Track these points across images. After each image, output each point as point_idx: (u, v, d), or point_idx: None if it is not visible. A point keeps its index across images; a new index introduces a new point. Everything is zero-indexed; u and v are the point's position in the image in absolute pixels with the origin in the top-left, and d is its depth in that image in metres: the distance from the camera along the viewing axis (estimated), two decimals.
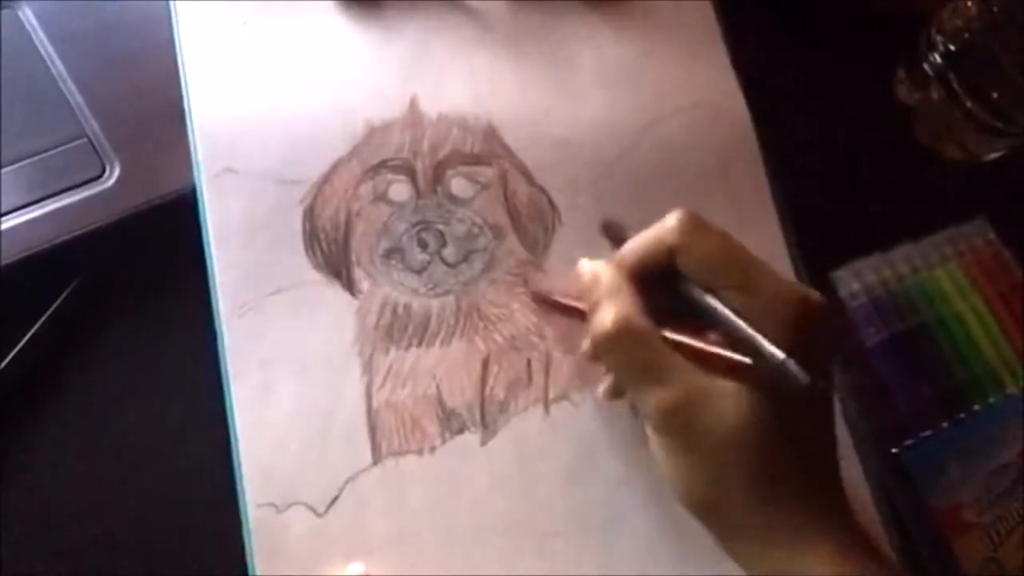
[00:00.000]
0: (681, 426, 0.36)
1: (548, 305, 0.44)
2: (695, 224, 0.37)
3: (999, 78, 0.51)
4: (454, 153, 0.46)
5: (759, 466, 0.35)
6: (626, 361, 0.38)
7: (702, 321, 0.37)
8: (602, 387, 0.42)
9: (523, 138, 0.47)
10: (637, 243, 0.39)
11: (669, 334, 0.37)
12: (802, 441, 0.36)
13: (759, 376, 0.35)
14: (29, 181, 0.47)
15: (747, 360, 0.35)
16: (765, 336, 0.35)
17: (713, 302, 0.37)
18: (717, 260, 0.37)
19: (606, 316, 0.37)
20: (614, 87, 0.48)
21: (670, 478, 0.37)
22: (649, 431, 0.38)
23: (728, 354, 0.36)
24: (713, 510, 0.37)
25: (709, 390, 0.36)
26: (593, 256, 0.40)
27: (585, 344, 0.42)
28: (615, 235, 0.42)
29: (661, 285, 0.38)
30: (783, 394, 0.35)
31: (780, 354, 0.34)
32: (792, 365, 0.33)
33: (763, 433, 0.35)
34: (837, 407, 0.46)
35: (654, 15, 0.50)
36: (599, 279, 0.39)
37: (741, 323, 0.36)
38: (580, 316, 0.41)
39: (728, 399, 0.35)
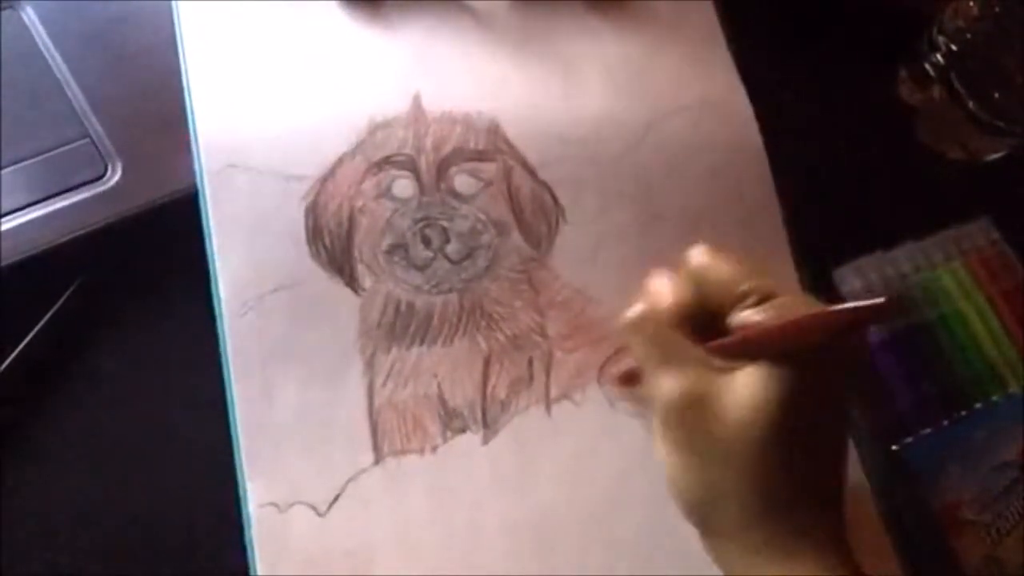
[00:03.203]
0: (688, 419, 0.36)
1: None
2: (713, 249, 0.39)
3: (1001, 78, 0.52)
4: (457, 150, 0.46)
5: (760, 475, 0.35)
6: (648, 342, 0.38)
7: None
8: (616, 368, 0.42)
9: (526, 135, 0.47)
10: (662, 283, 0.39)
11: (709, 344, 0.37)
12: (817, 441, 0.36)
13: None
14: (31, 181, 0.47)
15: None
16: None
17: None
18: (739, 271, 0.38)
19: (637, 305, 0.38)
20: (617, 85, 0.49)
21: (670, 474, 0.37)
22: (656, 423, 0.37)
23: (791, 319, 0.35)
24: (706, 513, 0.37)
25: (722, 386, 0.35)
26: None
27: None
28: None
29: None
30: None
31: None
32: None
33: (769, 440, 0.35)
34: None
35: (656, 14, 0.50)
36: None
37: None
38: None
39: (747, 390, 0.35)
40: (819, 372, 0.35)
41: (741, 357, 0.36)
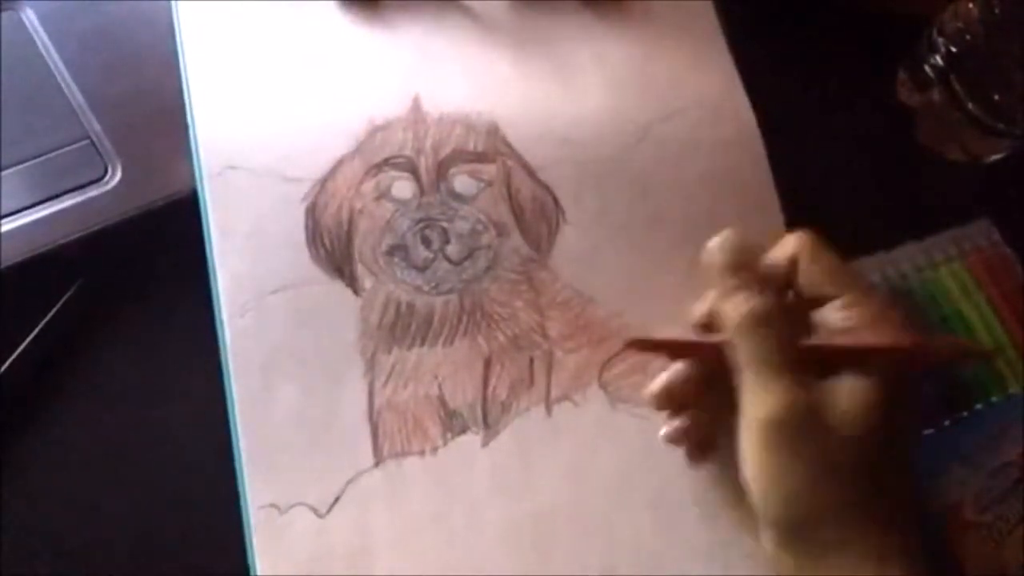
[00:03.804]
0: (794, 434, 0.35)
1: (655, 349, 0.42)
2: (815, 238, 0.38)
3: (1000, 80, 0.51)
4: (457, 151, 0.46)
5: (866, 489, 0.34)
6: (761, 347, 0.36)
7: None
8: (655, 385, 0.40)
9: (526, 136, 0.47)
10: (766, 257, 0.39)
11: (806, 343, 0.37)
12: (902, 470, 0.36)
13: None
14: (31, 183, 0.47)
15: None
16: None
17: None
18: (839, 267, 0.38)
19: (752, 297, 0.37)
20: (617, 85, 0.49)
21: (765, 493, 0.36)
22: (750, 438, 0.36)
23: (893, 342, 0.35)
24: (806, 532, 0.35)
25: (826, 397, 0.35)
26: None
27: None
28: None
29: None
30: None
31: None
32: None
33: (877, 451, 0.34)
34: None
35: (656, 14, 0.50)
36: (751, 252, 0.39)
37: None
38: (699, 351, 0.40)
39: (846, 407, 0.34)
40: (906, 381, 0.35)
41: (838, 362, 0.36)
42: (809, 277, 0.38)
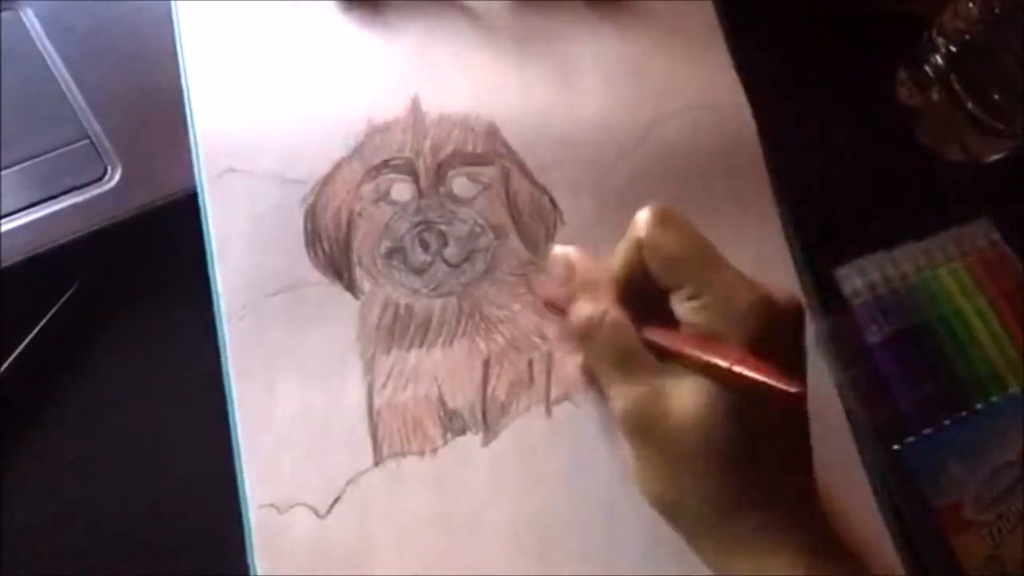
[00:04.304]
0: (643, 424, 0.36)
1: (557, 309, 0.44)
2: (663, 218, 0.37)
3: (1000, 79, 0.51)
4: (456, 153, 0.46)
5: (723, 471, 0.35)
6: (600, 354, 0.38)
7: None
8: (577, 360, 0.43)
9: (525, 138, 0.47)
10: (619, 245, 0.39)
11: (648, 334, 0.37)
12: (771, 445, 0.36)
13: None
14: (30, 183, 0.47)
15: (724, 363, 0.34)
16: (726, 337, 0.35)
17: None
18: (676, 255, 0.36)
19: (583, 308, 0.38)
20: (616, 87, 0.48)
21: (633, 475, 0.38)
22: (616, 423, 0.38)
23: (709, 358, 0.35)
24: (675, 511, 0.37)
25: (673, 391, 0.35)
26: (597, 254, 0.40)
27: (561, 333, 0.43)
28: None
29: (648, 295, 0.38)
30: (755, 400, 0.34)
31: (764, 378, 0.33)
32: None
33: (728, 436, 0.35)
34: (838, 404, 0.46)
35: (655, 15, 0.50)
36: (573, 267, 0.40)
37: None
38: None
39: (693, 398, 0.35)
40: (768, 358, 0.34)
41: (673, 361, 0.36)
42: (652, 264, 0.37)
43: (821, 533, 0.36)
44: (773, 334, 0.35)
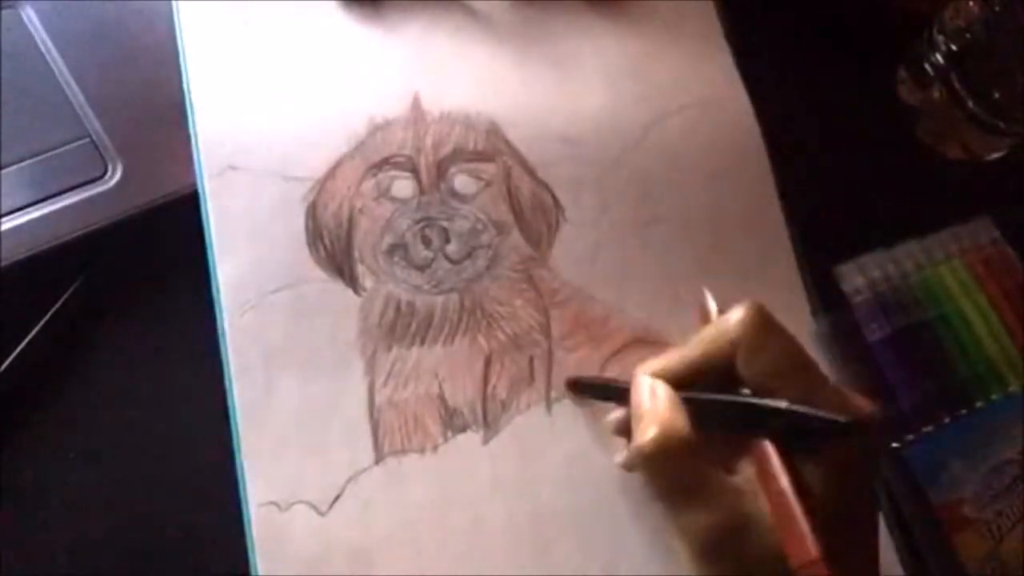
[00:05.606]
0: (727, 553, 0.34)
1: (588, 392, 0.43)
2: (764, 321, 0.35)
3: (1001, 78, 0.51)
4: (457, 150, 0.46)
5: None
6: (666, 481, 0.35)
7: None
8: (620, 457, 0.39)
9: (526, 135, 0.47)
10: (701, 336, 0.37)
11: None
12: (847, 543, 0.34)
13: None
14: (31, 181, 0.47)
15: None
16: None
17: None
18: (783, 366, 0.34)
19: (648, 432, 0.34)
20: (617, 84, 0.49)
21: (682, 560, 0.35)
22: (685, 555, 0.35)
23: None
24: None
25: (756, 516, 0.33)
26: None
27: (621, 456, 0.39)
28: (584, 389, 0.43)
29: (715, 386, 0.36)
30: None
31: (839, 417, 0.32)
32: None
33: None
34: None
35: (656, 13, 0.50)
36: (656, 395, 0.36)
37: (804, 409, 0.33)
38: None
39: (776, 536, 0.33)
40: (842, 466, 0.33)
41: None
42: (748, 369, 0.35)
43: None
44: (855, 464, 0.34)
